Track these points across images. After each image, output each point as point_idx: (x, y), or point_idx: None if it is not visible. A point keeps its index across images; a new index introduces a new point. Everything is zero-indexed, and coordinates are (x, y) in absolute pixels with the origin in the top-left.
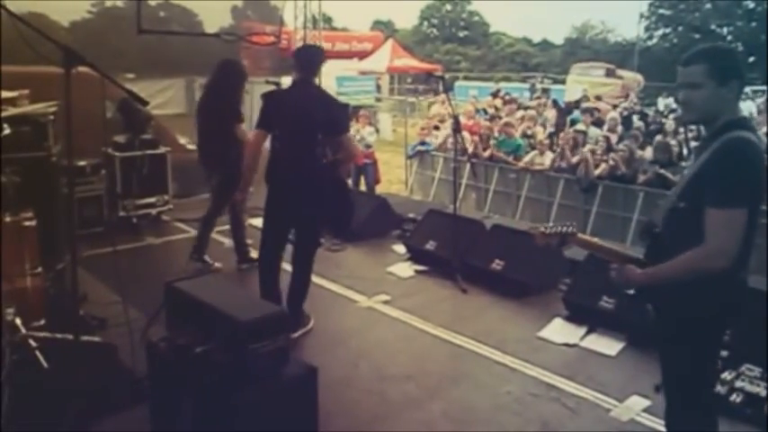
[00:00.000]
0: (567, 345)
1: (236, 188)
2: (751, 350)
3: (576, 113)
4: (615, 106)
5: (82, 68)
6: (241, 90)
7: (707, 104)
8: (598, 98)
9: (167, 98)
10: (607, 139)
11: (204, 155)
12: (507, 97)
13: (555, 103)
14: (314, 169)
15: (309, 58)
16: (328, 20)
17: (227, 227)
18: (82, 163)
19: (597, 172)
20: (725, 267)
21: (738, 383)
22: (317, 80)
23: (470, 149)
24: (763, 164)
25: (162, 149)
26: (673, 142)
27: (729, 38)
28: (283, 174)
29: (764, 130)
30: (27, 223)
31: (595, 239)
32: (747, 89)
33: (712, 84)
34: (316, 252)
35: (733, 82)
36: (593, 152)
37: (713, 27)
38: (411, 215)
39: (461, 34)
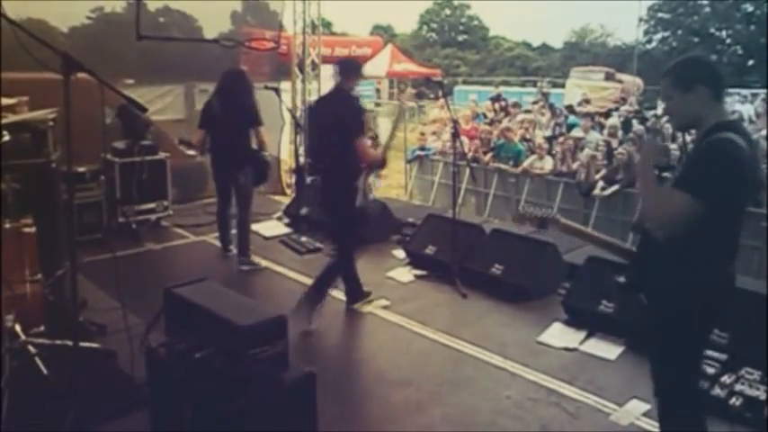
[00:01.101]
0: (566, 349)
1: (260, 183)
2: (750, 354)
3: (573, 118)
4: (610, 111)
5: (81, 74)
6: (254, 95)
7: (679, 112)
8: (587, 101)
9: (166, 104)
10: (608, 144)
11: (227, 155)
12: (504, 103)
13: (551, 106)
14: (332, 170)
15: (343, 69)
16: (328, 24)
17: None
18: (81, 169)
19: (597, 177)
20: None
21: (738, 387)
22: (352, 88)
23: (470, 154)
24: (743, 164)
25: (161, 155)
26: (672, 146)
27: (728, 41)
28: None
29: (763, 133)
30: (27, 229)
31: (578, 225)
32: (746, 92)
33: (678, 93)
34: (350, 249)
35: (698, 88)
36: (593, 157)
37: (712, 30)
38: (410, 220)
39: (461, 38)
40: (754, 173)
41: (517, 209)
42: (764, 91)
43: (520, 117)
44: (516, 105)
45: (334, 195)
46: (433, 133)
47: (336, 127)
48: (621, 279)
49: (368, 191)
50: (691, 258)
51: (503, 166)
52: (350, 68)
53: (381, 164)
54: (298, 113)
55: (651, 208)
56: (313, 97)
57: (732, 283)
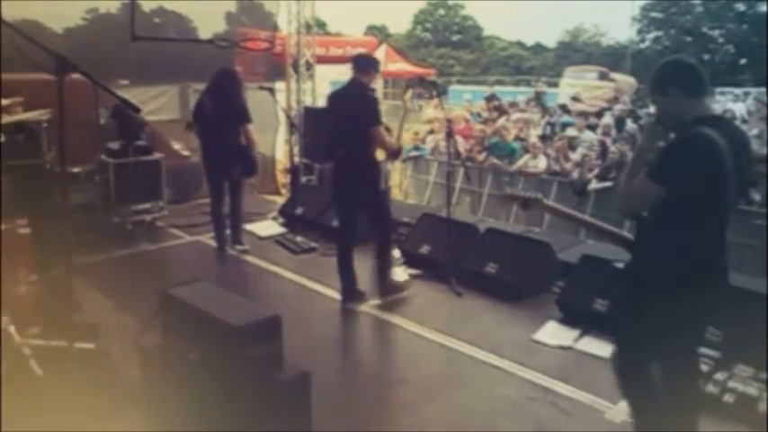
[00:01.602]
0: (561, 347)
1: (251, 176)
2: (744, 351)
3: (567, 117)
4: (602, 110)
5: (75, 75)
6: (243, 94)
7: (663, 113)
8: (577, 99)
9: (161, 104)
10: (602, 143)
11: (218, 151)
12: (497, 102)
13: (542, 105)
14: (351, 157)
15: (359, 64)
16: (322, 25)
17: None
18: (76, 170)
19: (590, 175)
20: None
21: (731, 384)
22: (369, 82)
23: (464, 153)
24: (711, 157)
25: (156, 155)
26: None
27: (721, 40)
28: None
29: (755, 132)
30: (21, 231)
31: (561, 207)
32: (739, 91)
33: (658, 98)
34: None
35: (672, 90)
36: (587, 156)
37: (705, 30)
38: (405, 219)
39: (455, 38)
40: (738, 168)
41: (504, 190)
42: (756, 90)
43: (515, 116)
44: (513, 105)
45: (359, 179)
46: (431, 131)
47: (354, 116)
48: (620, 265)
49: (386, 178)
50: (678, 250)
51: (496, 161)
52: (366, 64)
53: (398, 151)
54: (292, 113)
55: (624, 186)
56: (308, 97)
57: (725, 279)
